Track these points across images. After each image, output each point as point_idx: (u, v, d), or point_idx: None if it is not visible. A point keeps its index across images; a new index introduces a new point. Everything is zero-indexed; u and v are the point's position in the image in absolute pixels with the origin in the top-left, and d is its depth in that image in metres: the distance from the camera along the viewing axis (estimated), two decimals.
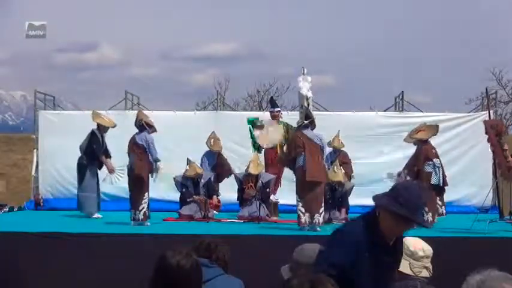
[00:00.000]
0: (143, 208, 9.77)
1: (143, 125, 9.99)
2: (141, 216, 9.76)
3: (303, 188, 9.29)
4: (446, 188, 10.41)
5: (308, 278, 2.30)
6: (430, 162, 10.15)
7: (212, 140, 12.06)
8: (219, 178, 12.08)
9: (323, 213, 9.30)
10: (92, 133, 11.41)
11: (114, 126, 11.50)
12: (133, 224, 9.75)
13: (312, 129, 9.56)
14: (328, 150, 10.30)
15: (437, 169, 10.13)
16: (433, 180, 10.12)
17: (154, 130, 10.10)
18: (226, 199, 12.25)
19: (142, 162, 9.83)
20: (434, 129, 10.60)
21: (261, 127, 11.71)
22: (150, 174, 9.97)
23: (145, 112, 13.54)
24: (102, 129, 11.49)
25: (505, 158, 9.36)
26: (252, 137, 11.80)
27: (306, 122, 9.57)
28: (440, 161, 10.22)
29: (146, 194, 9.83)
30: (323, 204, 9.32)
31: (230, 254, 3.71)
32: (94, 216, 11.24)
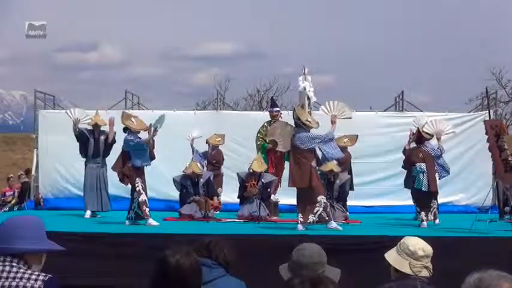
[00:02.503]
0: (134, 208, 9.88)
1: (126, 127, 10.05)
2: (132, 215, 9.87)
3: (297, 191, 9.49)
4: (437, 192, 10.36)
5: (309, 277, 2.30)
6: (414, 167, 10.21)
7: (213, 136, 12.36)
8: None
9: (318, 213, 9.26)
10: (80, 133, 11.42)
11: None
12: (126, 223, 9.87)
13: (307, 131, 9.43)
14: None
15: (421, 174, 10.13)
16: (416, 184, 10.13)
17: (137, 131, 10.05)
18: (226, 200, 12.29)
19: (126, 165, 9.97)
20: (416, 133, 10.62)
21: (272, 142, 11.73)
22: (137, 176, 9.95)
23: (145, 112, 13.60)
24: (95, 127, 11.45)
25: (503, 160, 9.42)
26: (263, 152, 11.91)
27: (298, 122, 9.45)
28: (426, 166, 10.15)
29: (134, 194, 9.91)
30: (316, 205, 9.28)
31: (230, 254, 3.70)
32: (85, 215, 11.27)
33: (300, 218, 9.31)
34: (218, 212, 11.78)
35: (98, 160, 11.43)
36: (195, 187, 11.45)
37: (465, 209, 12.91)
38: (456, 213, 12.28)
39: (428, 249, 3.50)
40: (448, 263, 6.20)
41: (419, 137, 10.39)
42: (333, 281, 2.34)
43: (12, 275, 2.68)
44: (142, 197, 9.88)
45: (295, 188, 9.57)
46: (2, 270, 2.68)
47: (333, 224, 9.28)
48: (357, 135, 11.96)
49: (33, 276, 2.69)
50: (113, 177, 11.49)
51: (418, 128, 10.51)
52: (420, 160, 10.17)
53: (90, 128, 11.51)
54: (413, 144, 10.63)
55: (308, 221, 9.24)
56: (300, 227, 9.27)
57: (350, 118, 10.00)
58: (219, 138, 12.42)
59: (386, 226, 10.27)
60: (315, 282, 2.23)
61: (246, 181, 11.29)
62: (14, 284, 2.65)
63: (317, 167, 9.83)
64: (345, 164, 12.01)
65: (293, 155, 9.43)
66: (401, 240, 3.56)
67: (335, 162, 11.26)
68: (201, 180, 11.52)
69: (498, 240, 8.49)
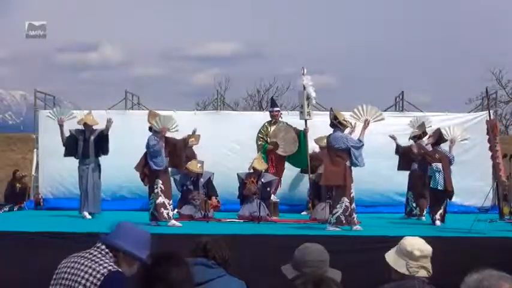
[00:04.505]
0: (150, 209, 9.80)
1: (151, 127, 9.99)
2: (150, 216, 9.74)
3: (329, 191, 9.66)
4: (453, 192, 10.47)
5: (312, 278, 2.30)
6: (430, 167, 10.39)
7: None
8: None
9: (336, 214, 9.26)
10: (69, 136, 11.21)
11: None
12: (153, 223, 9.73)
13: (342, 131, 9.50)
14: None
15: (437, 173, 10.27)
16: (432, 183, 10.30)
17: (156, 131, 9.96)
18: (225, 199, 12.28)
19: (145, 165, 9.87)
20: (436, 134, 10.76)
21: (273, 144, 11.79)
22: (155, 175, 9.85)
23: (144, 112, 13.55)
24: (85, 126, 11.22)
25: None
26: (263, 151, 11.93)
27: (335, 121, 9.52)
28: (442, 166, 10.32)
29: (152, 194, 9.81)
30: (337, 207, 9.30)
31: (229, 253, 3.69)
32: (84, 216, 11.07)
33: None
34: (216, 211, 11.77)
35: (87, 161, 11.19)
36: (195, 186, 11.45)
37: (465, 209, 12.90)
38: (456, 213, 12.27)
39: (426, 250, 3.49)
40: (448, 263, 6.21)
41: (439, 139, 10.60)
42: (335, 281, 2.33)
43: (93, 258, 3.09)
44: (161, 199, 9.72)
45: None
46: (91, 253, 3.13)
47: (333, 227, 9.26)
48: None
49: (105, 264, 3.06)
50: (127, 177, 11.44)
51: (439, 129, 10.74)
52: (436, 160, 10.37)
53: (81, 128, 11.27)
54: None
55: (326, 219, 9.35)
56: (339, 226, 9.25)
57: (383, 119, 10.09)
58: (193, 139, 12.32)
59: (387, 226, 10.26)
60: (317, 282, 2.23)
61: (245, 181, 11.30)
62: (88, 263, 3.06)
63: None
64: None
65: (328, 154, 9.52)
66: (401, 240, 3.57)
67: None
68: (202, 180, 11.53)
69: (498, 240, 8.48)
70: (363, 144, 9.48)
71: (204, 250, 3.62)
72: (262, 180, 11.27)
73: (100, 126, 11.34)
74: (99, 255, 3.11)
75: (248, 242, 8.01)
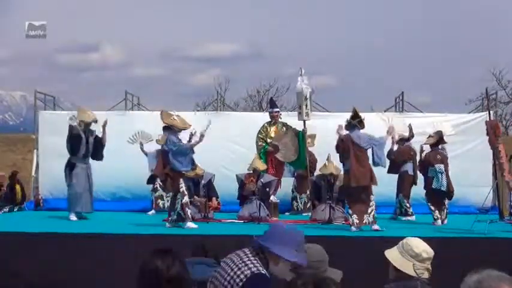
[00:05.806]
0: (177, 209, 9.70)
1: (167, 127, 9.96)
2: (174, 217, 9.66)
3: (350, 192, 9.50)
4: (453, 192, 10.57)
5: (312, 278, 2.29)
6: (432, 168, 10.41)
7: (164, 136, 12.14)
8: None
9: (372, 213, 9.36)
10: (71, 131, 11.10)
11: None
12: (167, 225, 9.63)
13: (359, 130, 9.55)
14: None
15: (439, 175, 10.32)
16: (435, 184, 10.35)
17: (178, 130, 9.89)
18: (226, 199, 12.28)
19: (166, 164, 9.82)
20: (437, 135, 10.83)
21: (274, 146, 11.80)
22: (179, 176, 9.83)
23: (146, 113, 13.57)
24: (84, 125, 11.12)
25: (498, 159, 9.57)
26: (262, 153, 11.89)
27: (353, 121, 9.55)
28: (445, 167, 10.45)
29: (178, 195, 9.76)
30: (370, 205, 9.39)
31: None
32: (71, 217, 10.92)
33: (356, 219, 9.31)
34: (217, 212, 11.77)
35: (86, 160, 11.16)
36: (196, 188, 11.46)
37: (465, 209, 12.90)
38: (456, 214, 12.27)
39: (431, 252, 3.50)
40: (448, 263, 6.20)
41: (438, 140, 10.75)
42: (335, 282, 2.33)
43: (244, 257, 3.22)
44: (186, 198, 9.75)
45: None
46: (244, 252, 3.27)
47: (376, 226, 9.33)
48: (315, 134, 12.06)
49: (251, 265, 3.16)
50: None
51: (440, 132, 10.89)
52: (438, 161, 10.48)
53: (79, 127, 11.14)
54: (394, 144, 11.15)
55: (364, 222, 9.31)
56: (353, 229, 9.25)
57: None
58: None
59: (387, 226, 10.25)
60: (317, 283, 2.22)
61: (245, 181, 11.30)
62: (236, 263, 3.17)
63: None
64: (313, 165, 12.08)
65: (353, 153, 9.44)
66: (404, 241, 3.54)
67: (334, 164, 11.37)
68: (203, 181, 11.53)
69: (498, 241, 8.49)
70: (384, 142, 9.63)
71: (204, 251, 3.66)
72: (262, 180, 11.28)
73: (96, 127, 11.30)
74: (250, 255, 3.23)
75: (248, 242, 7.99)
